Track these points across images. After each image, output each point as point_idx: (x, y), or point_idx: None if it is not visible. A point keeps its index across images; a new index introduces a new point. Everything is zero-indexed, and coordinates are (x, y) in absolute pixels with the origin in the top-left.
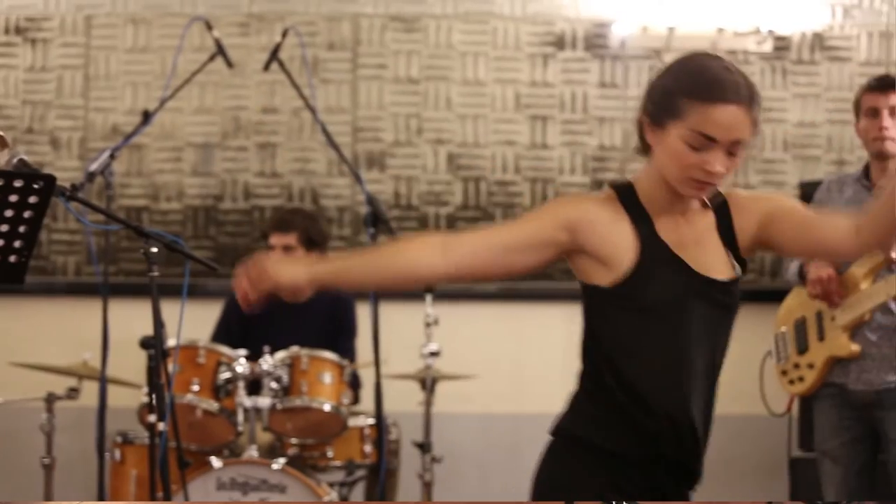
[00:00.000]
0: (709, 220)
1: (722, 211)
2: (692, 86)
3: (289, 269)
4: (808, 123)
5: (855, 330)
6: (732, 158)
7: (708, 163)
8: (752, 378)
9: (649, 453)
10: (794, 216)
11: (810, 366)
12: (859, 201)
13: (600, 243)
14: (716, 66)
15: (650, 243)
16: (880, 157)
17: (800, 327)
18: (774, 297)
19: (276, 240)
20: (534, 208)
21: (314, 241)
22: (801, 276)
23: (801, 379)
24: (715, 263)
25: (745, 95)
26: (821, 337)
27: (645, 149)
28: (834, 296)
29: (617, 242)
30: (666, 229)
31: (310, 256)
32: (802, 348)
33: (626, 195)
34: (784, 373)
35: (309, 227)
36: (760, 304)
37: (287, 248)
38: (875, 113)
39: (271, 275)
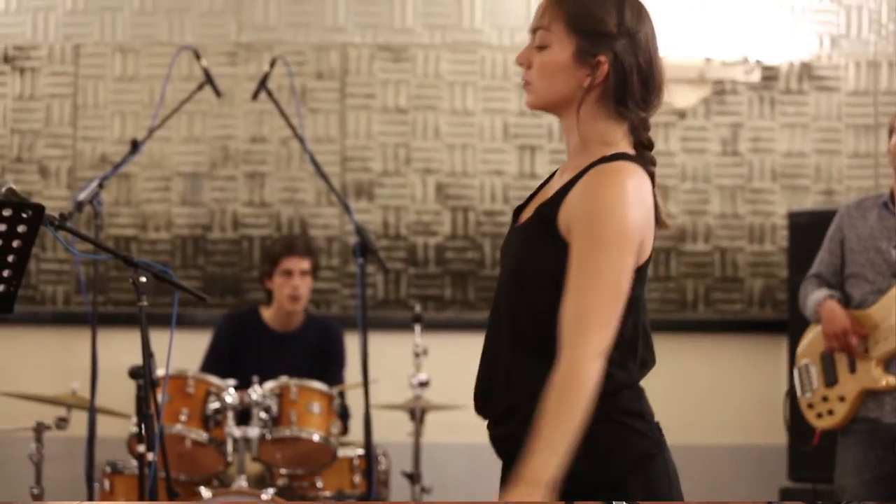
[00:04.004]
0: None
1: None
2: None
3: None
4: (796, 153)
5: (889, 361)
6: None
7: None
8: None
9: None
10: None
11: (841, 399)
12: (884, 227)
13: None
14: None
15: None
16: None
17: (827, 359)
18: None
19: (293, 264)
20: None
21: (317, 269)
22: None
23: (830, 412)
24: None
25: None
26: (852, 369)
27: None
28: (855, 347)
29: None
30: None
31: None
32: (831, 381)
33: None
34: (811, 406)
35: (317, 255)
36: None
37: (304, 273)
38: None
39: None
